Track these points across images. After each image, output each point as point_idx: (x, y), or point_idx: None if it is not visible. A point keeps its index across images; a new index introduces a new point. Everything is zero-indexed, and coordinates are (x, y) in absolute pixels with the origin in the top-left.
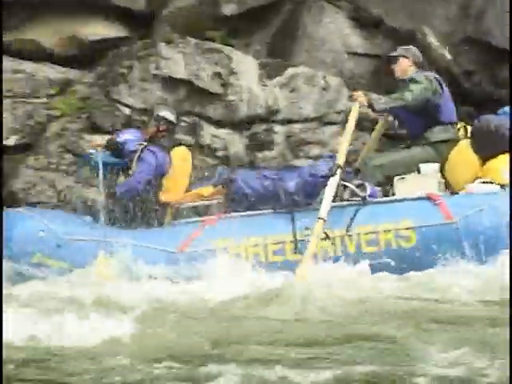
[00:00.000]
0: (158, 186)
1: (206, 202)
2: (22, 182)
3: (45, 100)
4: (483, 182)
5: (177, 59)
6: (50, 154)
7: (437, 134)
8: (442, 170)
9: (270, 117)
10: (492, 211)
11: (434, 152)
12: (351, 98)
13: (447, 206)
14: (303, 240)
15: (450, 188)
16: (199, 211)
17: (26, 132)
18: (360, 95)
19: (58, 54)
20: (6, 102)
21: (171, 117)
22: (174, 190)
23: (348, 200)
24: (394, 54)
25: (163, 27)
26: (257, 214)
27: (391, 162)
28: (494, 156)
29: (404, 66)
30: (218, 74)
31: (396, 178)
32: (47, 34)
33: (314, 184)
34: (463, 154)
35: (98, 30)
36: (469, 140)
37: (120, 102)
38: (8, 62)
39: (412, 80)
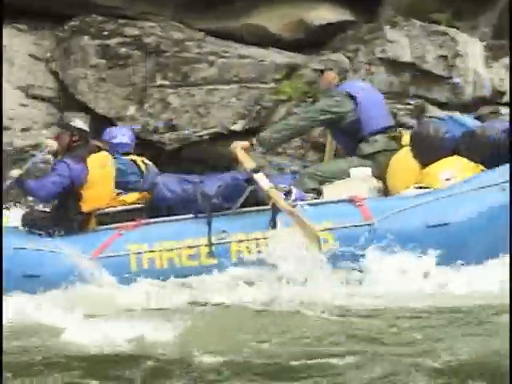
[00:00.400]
0: (76, 196)
1: (129, 208)
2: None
3: (272, 85)
4: (418, 187)
5: (402, 42)
6: None
7: (367, 147)
8: (383, 178)
9: (496, 99)
10: (412, 212)
11: (372, 162)
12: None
13: (369, 208)
14: (219, 244)
15: (391, 195)
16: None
17: (252, 116)
18: (236, 146)
19: (284, 38)
20: (232, 87)
21: (83, 125)
22: (95, 197)
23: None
24: (320, 67)
25: (388, 10)
26: (175, 219)
27: (327, 170)
28: (434, 161)
29: (329, 79)
30: (444, 57)
31: (326, 184)
32: (274, 19)
33: (236, 187)
34: (403, 160)
35: (324, 14)
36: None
37: None
38: (235, 48)
39: (319, 97)
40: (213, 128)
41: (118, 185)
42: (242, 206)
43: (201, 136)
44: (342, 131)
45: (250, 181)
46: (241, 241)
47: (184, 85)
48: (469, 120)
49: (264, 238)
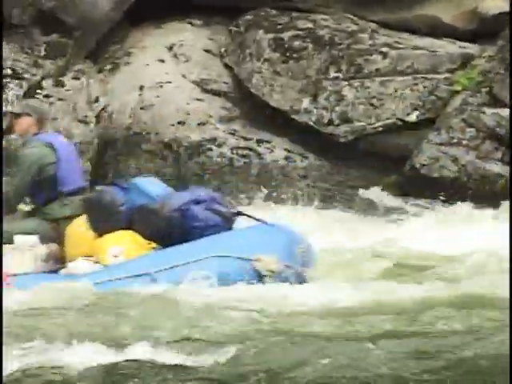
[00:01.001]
0: None
1: None
2: (425, 158)
3: (446, 75)
4: (86, 259)
5: None
6: (451, 128)
7: (58, 209)
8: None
9: None
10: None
11: (54, 227)
12: None
13: (16, 286)
14: None
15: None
16: None
17: (427, 107)
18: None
19: (458, 28)
20: (406, 78)
21: None
22: None
23: None
24: (17, 110)
25: None
26: None
27: (14, 229)
28: (108, 232)
29: (25, 125)
30: None
31: None
32: (447, 9)
33: None
34: (77, 228)
35: (499, 3)
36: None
37: None
38: (408, 39)
39: (18, 157)
40: (387, 119)
41: None
42: None
43: (375, 128)
44: (37, 186)
45: None
46: None
47: (358, 77)
48: (154, 190)
49: None
